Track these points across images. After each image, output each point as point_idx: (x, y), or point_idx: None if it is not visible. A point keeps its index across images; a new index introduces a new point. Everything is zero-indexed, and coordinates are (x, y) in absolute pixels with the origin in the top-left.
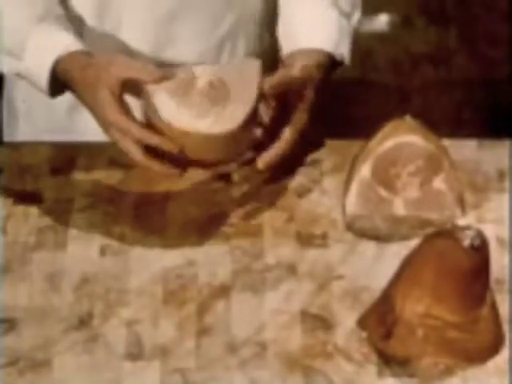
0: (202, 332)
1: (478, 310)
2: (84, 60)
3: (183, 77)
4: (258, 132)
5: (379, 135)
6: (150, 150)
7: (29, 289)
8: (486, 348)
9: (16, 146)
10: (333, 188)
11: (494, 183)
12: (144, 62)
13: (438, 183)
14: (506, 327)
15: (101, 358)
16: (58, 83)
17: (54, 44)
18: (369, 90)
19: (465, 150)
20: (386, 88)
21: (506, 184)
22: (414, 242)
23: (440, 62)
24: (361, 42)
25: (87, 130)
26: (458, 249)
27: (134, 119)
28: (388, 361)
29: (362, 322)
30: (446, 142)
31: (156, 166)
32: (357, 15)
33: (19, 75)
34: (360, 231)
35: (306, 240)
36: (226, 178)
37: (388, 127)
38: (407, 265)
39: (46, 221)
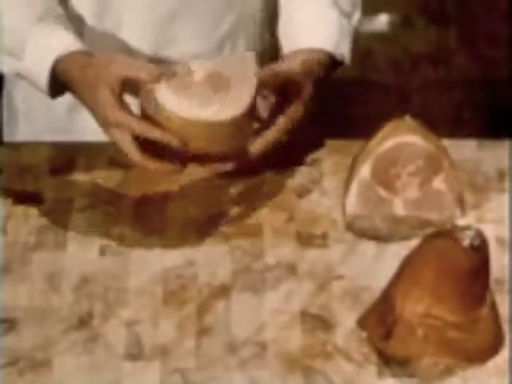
0: (202, 332)
1: (478, 310)
2: (84, 60)
3: (181, 71)
4: (255, 126)
5: (379, 135)
6: (149, 149)
7: (29, 289)
8: (485, 348)
9: (16, 146)
10: (333, 188)
11: (493, 183)
12: (143, 61)
13: (438, 183)
14: (505, 327)
15: (101, 358)
16: (58, 84)
17: (53, 44)
18: (369, 90)
19: (465, 150)
20: (386, 88)
21: (506, 184)
22: (414, 242)
23: (440, 62)
24: (361, 42)
25: (87, 130)
26: (457, 249)
27: (133, 115)
28: (388, 361)
29: (361, 322)
30: (446, 142)
31: (154, 165)
32: (357, 15)
33: (19, 75)
34: (360, 231)
35: (305, 240)
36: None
37: (388, 127)
38: (407, 265)
39: (46, 221)
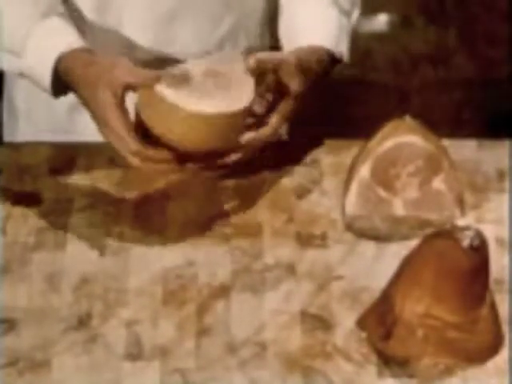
0: (202, 332)
1: (478, 310)
2: (86, 58)
3: (178, 71)
4: (250, 120)
5: (379, 135)
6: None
7: (28, 289)
8: (485, 348)
9: (16, 146)
10: (332, 188)
11: (493, 183)
12: (145, 68)
13: (438, 183)
14: (505, 327)
15: (100, 359)
16: (61, 82)
17: (56, 41)
18: (368, 90)
19: (464, 150)
20: (386, 88)
21: (506, 184)
22: (414, 243)
23: (440, 61)
24: (360, 42)
25: (87, 130)
26: (457, 249)
27: (131, 128)
28: (388, 361)
29: (361, 323)
30: (446, 142)
31: (149, 167)
32: (356, 13)
33: (22, 74)
34: (359, 231)
35: (305, 240)
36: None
37: (387, 127)
38: (407, 265)
39: (46, 221)
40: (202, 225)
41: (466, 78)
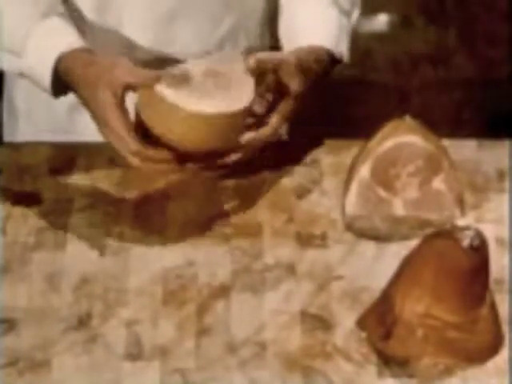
0: (202, 332)
1: (478, 310)
2: (86, 58)
3: (178, 71)
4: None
5: (379, 135)
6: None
7: (28, 289)
8: (485, 348)
9: (16, 146)
10: (332, 188)
11: (493, 183)
12: (145, 69)
13: (438, 183)
14: (505, 327)
15: (100, 359)
16: (61, 82)
17: (56, 41)
18: (368, 90)
19: (464, 150)
20: (386, 88)
21: (506, 184)
22: (414, 243)
23: (440, 61)
24: (360, 42)
25: (87, 130)
26: (457, 249)
27: (131, 128)
28: (388, 361)
29: (361, 323)
30: (446, 142)
31: (149, 167)
32: (356, 13)
33: (22, 74)
34: (359, 231)
35: (305, 240)
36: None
37: (387, 127)
38: (407, 265)
39: (46, 221)
40: (201, 225)
41: (465, 77)
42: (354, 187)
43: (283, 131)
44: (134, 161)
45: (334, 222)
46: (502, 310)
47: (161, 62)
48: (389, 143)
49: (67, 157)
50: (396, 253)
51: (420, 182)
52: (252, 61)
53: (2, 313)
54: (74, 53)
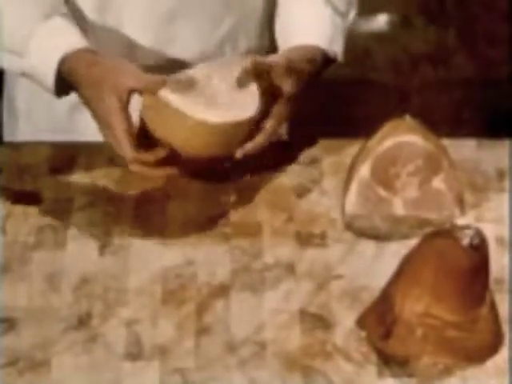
0: (202, 331)
1: (478, 309)
2: (90, 58)
3: (184, 77)
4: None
5: (378, 135)
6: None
7: (28, 288)
8: (485, 347)
9: (16, 146)
10: (332, 188)
11: (493, 183)
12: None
13: (438, 183)
14: (505, 327)
15: (100, 358)
16: (64, 82)
17: (59, 42)
18: (368, 90)
19: (464, 149)
20: (386, 88)
21: (506, 184)
22: (414, 242)
23: (439, 61)
24: (360, 42)
25: (88, 129)
26: (457, 248)
27: (132, 134)
28: (387, 360)
29: (361, 322)
30: (446, 142)
31: (150, 171)
32: (352, 13)
33: (24, 74)
34: (359, 231)
35: (305, 240)
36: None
37: (387, 127)
38: (406, 264)
39: (46, 220)
40: (201, 225)
41: (465, 77)
42: (354, 187)
43: (283, 131)
44: (134, 166)
45: (333, 221)
46: (502, 309)
47: (162, 63)
48: (389, 143)
49: (67, 156)
50: (396, 252)
51: (420, 181)
52: (249, 63)
53: (2, 312)
54: (77, 53)
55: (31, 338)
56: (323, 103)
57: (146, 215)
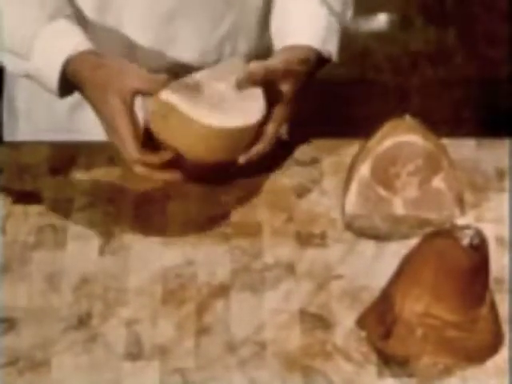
0: (202, 331)
1: (478, 309)
2: (94, 60)
3: (191, 81)
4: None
5: (378, 135)
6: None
7: (28, 288)
8: (485, 347)
9: (16, 146)
10: (332, 188)
11: (493, 182)
12: (154, 73)
13: (438, 182)
14: (505, 327)
15: (100, 358)
16: (68, 84)
17: (64, 44)
18: (368, 90)
19: (464, 149)
20: (385, 87)
21: (506, 183)
22: (414, 242)
23: (439, 61)
24: (360, 42)
25: (88, 129)
26: (457, 248)
27: (137, 136)
28: (387, 360)
29: (361, 322)
30: (446, 142)
31: (154, 174)
32: (349, 13)
33: (27, 76)
34: (359, 231)
35: (305, 240)
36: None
37: (387, 127)
38: (406, 264)
39: (46, 220)
40: (201, 225)
41: (465, 77)
42: (354, 186)
43: (283, 131)
44: (139, 169)
45: (333, 221)
46: (502, 309)
47: (162, 64)
48: (388, 142)
49: (67, 156)
50: (396, 252)
51: (420, 181)
52: (246, 72)
53: (2, 312)
54: (81, 55)
55: (31, 338)
56: (323, 103)
57: (146, 215)
